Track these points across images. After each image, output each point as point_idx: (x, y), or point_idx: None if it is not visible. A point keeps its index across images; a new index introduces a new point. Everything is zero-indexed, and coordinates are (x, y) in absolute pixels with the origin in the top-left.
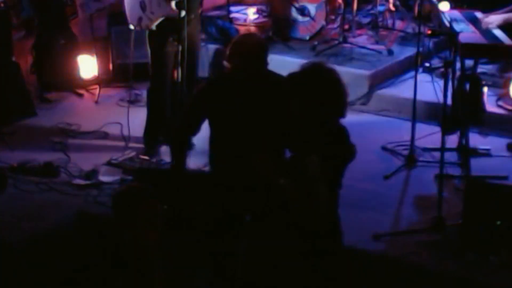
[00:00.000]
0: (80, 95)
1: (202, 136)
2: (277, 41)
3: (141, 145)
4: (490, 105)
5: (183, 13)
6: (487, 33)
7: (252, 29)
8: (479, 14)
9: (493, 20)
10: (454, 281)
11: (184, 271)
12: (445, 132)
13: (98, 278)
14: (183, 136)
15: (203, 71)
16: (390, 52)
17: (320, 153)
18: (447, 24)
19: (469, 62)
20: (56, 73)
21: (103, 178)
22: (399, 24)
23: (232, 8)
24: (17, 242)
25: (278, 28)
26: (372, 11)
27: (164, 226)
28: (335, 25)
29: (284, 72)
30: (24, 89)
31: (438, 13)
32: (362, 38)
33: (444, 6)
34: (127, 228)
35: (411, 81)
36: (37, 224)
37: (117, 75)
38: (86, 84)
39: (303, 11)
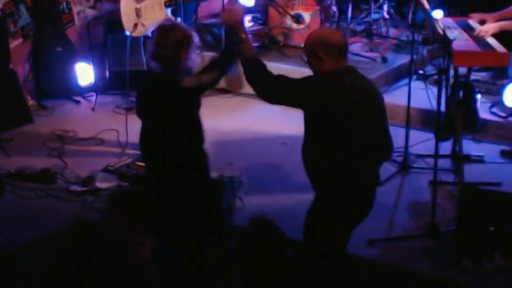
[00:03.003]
0: (77, 102)
1: None
2: (272, 48)
3: (137, 152)
4: (484, 112)
5: (178, 19)
6: (480, 40)
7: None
8: (472, 22)
9: (489, 28)
10: (447, 287)
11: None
12: (439, 138)
13: (94, 283)
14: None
15: None
16: (384, 60)
17: None
18: (441, 31)
19: (462, 70)
20: (53, 80)
21: (100, 184)
22: (393, 31)
23: None
24: (14, 247)
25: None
26: (366, 19)
27: (157, 233)
28: None
29: None
30: (21, 96)
31: (432, 21)
32: (357, 46)
33: (438, 14)
34: (117, 233)
35: (405, 88)
36: (34, 229)
37: (113, 82)
38: (83, 91)
39: (297, 18)
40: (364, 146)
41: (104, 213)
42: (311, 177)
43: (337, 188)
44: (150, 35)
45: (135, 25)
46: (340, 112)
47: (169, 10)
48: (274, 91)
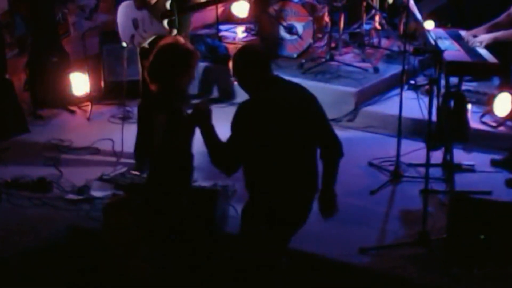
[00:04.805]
0: (72, 112)
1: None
2: None
3: (132, 161)
4: (474, 122)
5: (174, 31)
6: (471, 51)
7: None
8: (463, 32)
9: (483, 39)
10: None
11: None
12: (430, 148)
13: None
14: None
15: (193, 88)
16: (376, 70)
17: None
18: (432, 42)
19: (453, 80)
20: (48, 91)
21: (95, 193)
22: (385, 42)
23: (221, 27)
24: (10, 256)
25: (266, 47)
26: (358, 30)
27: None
28: (322, 43)
29: None
30: (17, 106)
31: (423, 31)
32: (349, 56)
33: (429, 25)
34: (114, 239)
35: (397, 98)
36: (30, 238)
37: (108, 92)
38: (78, 101)
39: (291, 29)
40: (300, 154)
41: (111, 221)
42: (250, 190)
43: (274, 200)
44: (147, 46)
45: (132, 37)
46: (272, 126)
47: (165, 21)
48: (231, 161)
